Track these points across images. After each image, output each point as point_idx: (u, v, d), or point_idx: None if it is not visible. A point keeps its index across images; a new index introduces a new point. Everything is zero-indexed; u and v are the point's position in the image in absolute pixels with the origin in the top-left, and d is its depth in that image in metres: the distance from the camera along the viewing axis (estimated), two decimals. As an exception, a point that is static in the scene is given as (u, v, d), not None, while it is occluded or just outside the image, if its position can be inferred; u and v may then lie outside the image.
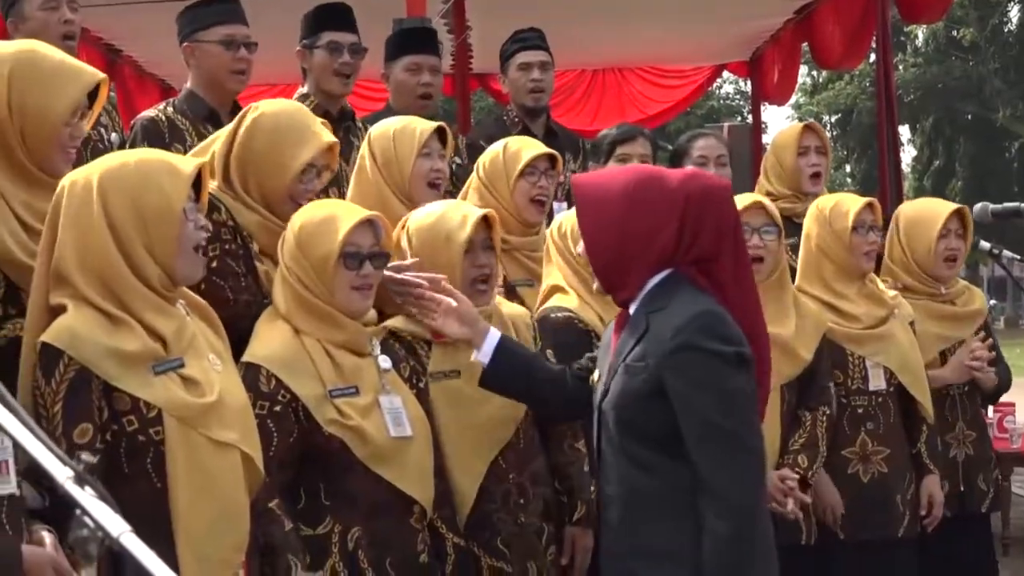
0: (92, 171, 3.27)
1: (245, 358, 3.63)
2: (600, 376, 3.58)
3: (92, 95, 3.51)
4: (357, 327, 3.77)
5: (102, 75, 3.55)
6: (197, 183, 3.37)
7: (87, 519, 1.65)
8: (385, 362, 3.82)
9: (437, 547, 3.84)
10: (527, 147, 4.96)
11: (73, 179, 3.27)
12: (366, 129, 5.51)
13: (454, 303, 3.84)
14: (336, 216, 3.77)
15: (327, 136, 4.17)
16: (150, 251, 3.23)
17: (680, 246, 3.42)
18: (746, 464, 3.31)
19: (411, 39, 6.12)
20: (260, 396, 3.57)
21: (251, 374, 3.59)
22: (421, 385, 3.93)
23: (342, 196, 5.17)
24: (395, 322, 4.07)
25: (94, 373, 3.15)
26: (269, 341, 3.71)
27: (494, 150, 4.98)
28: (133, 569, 1.59)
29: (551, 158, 4.94)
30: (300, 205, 3.98)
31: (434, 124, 4.72)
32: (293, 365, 3.65)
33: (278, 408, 3.61)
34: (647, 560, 3.36)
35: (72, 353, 3.13)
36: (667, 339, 3.33)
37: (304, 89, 5.60)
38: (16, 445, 1.72)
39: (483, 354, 3.81)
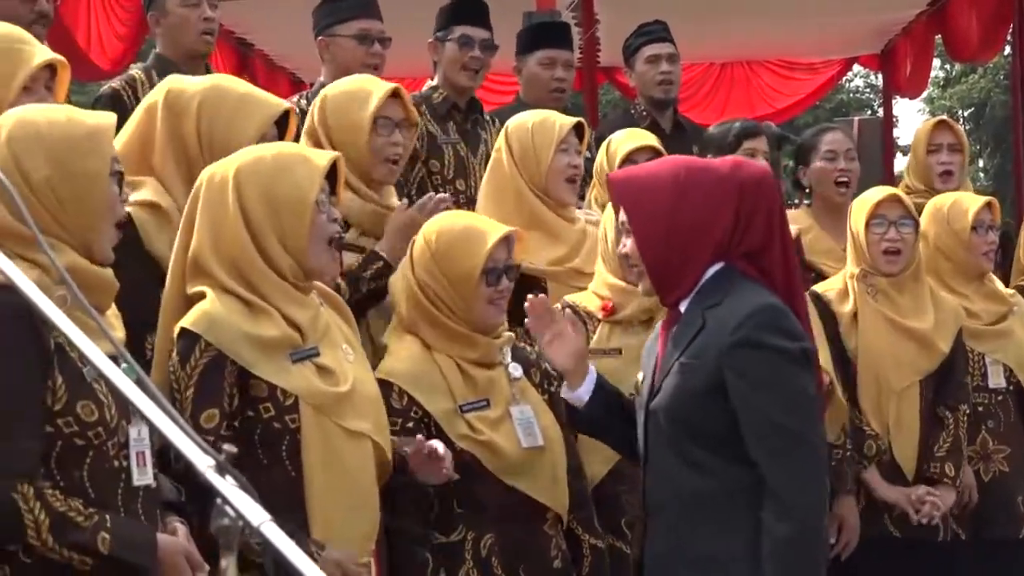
0: (230, 165, 3.32)
1: (377, 375, 3.62)
2: (645, 377, 3.43)
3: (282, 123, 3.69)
4: (488, 342, 3.76)
5: (287, 104, 3.68)
6: (333, 177, 3.41)
7: (228, 508, 1.67)
8: (516, 371, 3.80)
9: (572, 550, 3.82)
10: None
11: (211, 172, 3.33)
12: (493, 123, 5.54)
13: (571, 332, 3.59)
14: (476, 230, 3.74)
15: (384, 85, 4.16)
16: (283, 242, 3.27)
17: (733, 238, 3.28)
18: (810, 466, 3.18)
19: (546, 33, 6.12)
20: (392, 412, 3.55)
21: (383, 391, 3.57)
22: (552, 389, 3.88)
23: (447, 183, 5.20)
24: (575, 297, 4.15)
25: (229, 359, 3.20)
26: (400, 357, 3.72)
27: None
28: (272, 558, 1.61)
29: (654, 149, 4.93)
30: (392, 163, 4.01)
31: (573, 119, 4.72)
32: (424, 381, 3.66)
33: (411, 424, 3.61)
34: (699, 567, 3.22)
35: (210, 338, 3.18)
36: (727, 335, 3.19)
37: (433, 81, 5.63)
38: (159, 434, 1.75)
39: (579, 394, 3.58)
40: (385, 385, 3.60)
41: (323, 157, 3.36)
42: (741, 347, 3.17)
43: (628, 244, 3.39)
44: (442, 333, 3.71)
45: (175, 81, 3.79)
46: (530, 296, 3.60)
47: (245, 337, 3.21)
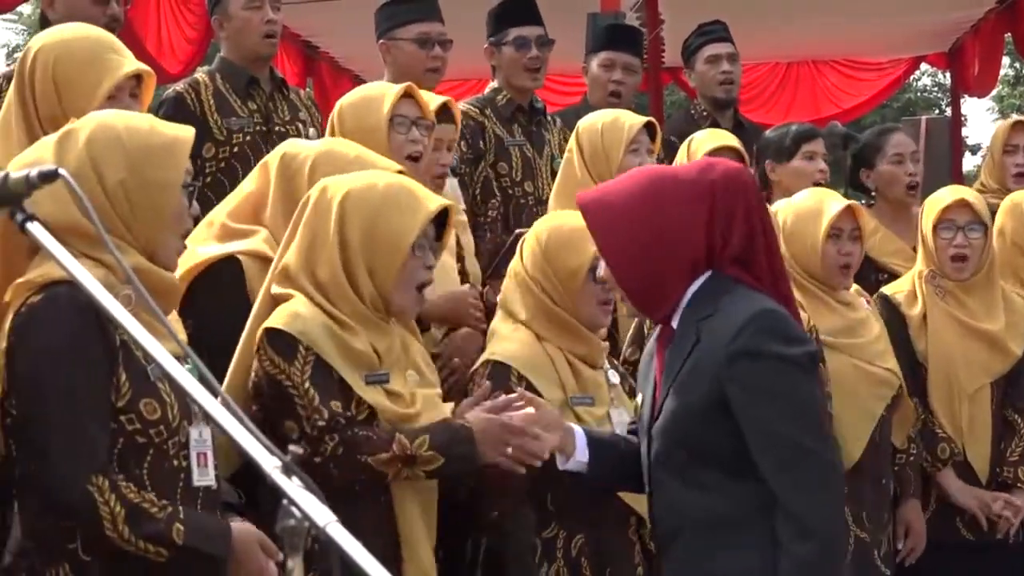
0: (342, 186, 3.37)
1: (487, 356, 3.69)
2: (643, 400, 3.26)
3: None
4: (597, 341, 3.79)
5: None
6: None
7: (294, 509, 1.68)
8: (614, 376, 3.82)
9: (647, 558, 3.81)
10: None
11: (324, 186, 3.40)
12: (555, 123, 5.55)
13: (533, 411, 3.34)
14: (585, 229, 3.75)
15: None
16: (371, 276, 3.32)
17: (714, 243, 3.07)
18: (821, 477, 3.00)
19: (611, 35, 6.11)
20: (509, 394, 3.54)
21: (499, 372, 3.63)
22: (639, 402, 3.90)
23: (515, 185, 5.20)
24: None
25: (324, 360, 3.25)
26: (512, 341, 3.73)
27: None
28: (338, 559, 1.62)
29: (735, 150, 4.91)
30: (414, 160, 4.01)
31: (644, 119, 4.71)
32: (539, 368, 3.68)
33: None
34: None
35: (302, 338, 3.24)
36: (723, 346, 2.99)
37: (495, 84, 5.64)
38: (226, 435, 1.76)
39: (576, 460, 3.34)
40: (502, 367, 3.65)
41: (433, 202, 3.37)
42: (740, 357, 2.98)
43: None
44: (555, 325, 3.70)
45: (290, 145, 3.86)
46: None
47: (335, 340, 3.27)
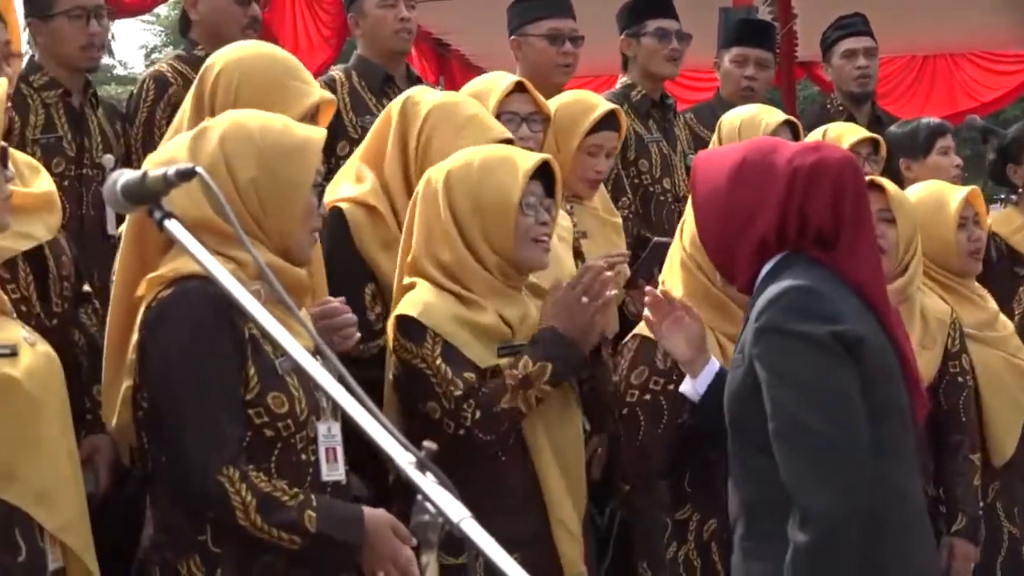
0: (442, 170, 3.45)
1: (636, 331, 3.74)
2: None
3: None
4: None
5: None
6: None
7: (428, 505, 1.69)
8: None
9: None
10: (848, 132, 4.89)
11: (428, 177, 3.48)
12: (682, 119, 5.52)
13: (688, 320, 3.51)
14: None
15: (507, 80, 4.19)
16: (489, 243, 3.39)
17: (787, 225, 2.99)
18: (835, 468, 2.81)
19: (742, 30, 6.07)
20: (656, 372, 3.63)
21: (647, 348, 3.68)
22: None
23: (656, 182, 5.17)
24: None
25: (449, 343, 3.34)
26: None
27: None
28: (474, 554, 1.62)
29: (874, 143, 4.85)
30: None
31: (782, 116, 4.68)
32: None
33: (671, 386, 3.63)
34: None
35: (426, 321, 3.33)
36: (752, 323, 2.94)
37: (626, 79, 5.62)
38: (359, 429, 1.77)
39: (695, 386, 3.47)
40: (650, 342, 3.68)
41: (529, 160, 3.43)
42: (763, 334, 2.90)
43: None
44: (710, 305, 3.69)
45: (417, 90, 3.92)
46: (649, 289, 3.57)
47: (458, 319, 3.36)
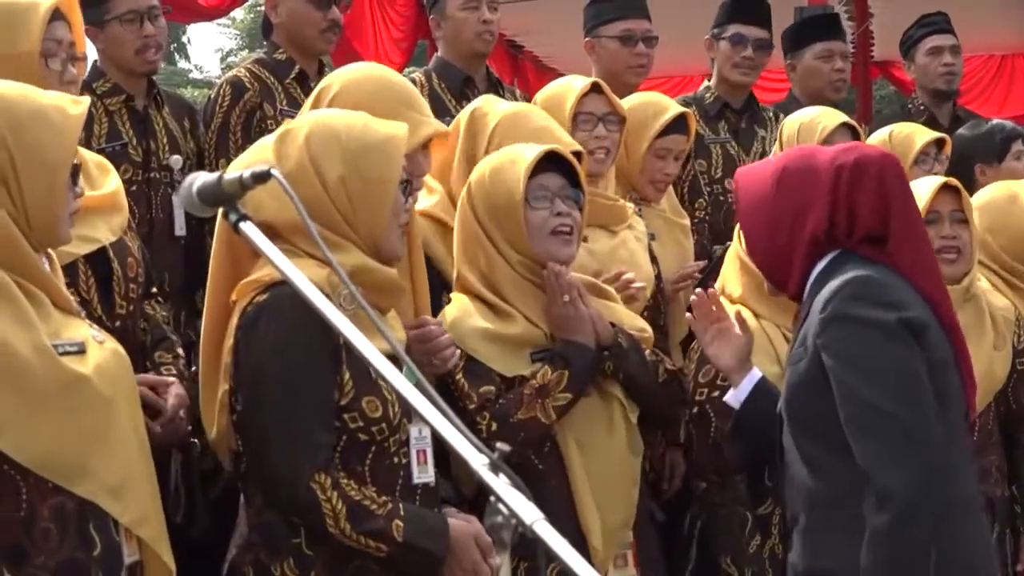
0: (468, 183, 3.54)
1: None
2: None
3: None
4: None
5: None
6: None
7: (501, 506, 1.69)
8: None
9: None
10: (919, 133, 4.85)
11: (463, 192, 3.55)
12: (777, 118, 5.49)
13: (737, 331, 3.48)
14: None
15: (583, 81, 4.21)
16: (510, 242, 3.45)
17: (836, 225, 3.03)
18: (911, 451, 2.83)
19: (820, 26, 6.02)
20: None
21: None
22: None
23: (714, 182, 5.14)
24: None
25: (473, 357, 3.39)
26: None
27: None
28: (545, 555, 1.62)
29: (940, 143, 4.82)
30: (600, 156, 4.10)
31: (842, 118, 4.65)
32: (755, 345, 3.66)
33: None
34: None
35: (454, 338, 3.34)
36: (818, 313, 2.95)
37: (708, 82, 5.61)
38: (434, 431, 1.77)
39: (736, 395, 3.42)
40: None
41: (531, 154, 3.47)
42: (830, 323, 2.92)
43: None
44: (772, 302, 3.69)
45: (484, 101, 3.95)
46: (698, 290, 3.55)
47: (485, 333, 3.40)
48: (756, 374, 3.43)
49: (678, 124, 4.44)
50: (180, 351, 3.60)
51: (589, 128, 4.11)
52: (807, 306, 3.02)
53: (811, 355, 2.95)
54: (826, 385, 2.92)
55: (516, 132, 3.75)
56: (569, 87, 4.20)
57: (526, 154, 3.48)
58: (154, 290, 3.68)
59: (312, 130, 3.04)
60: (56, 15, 3.38)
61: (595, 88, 4.19)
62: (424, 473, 3.03)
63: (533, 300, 3.44)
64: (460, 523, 3.01)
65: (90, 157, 3.50)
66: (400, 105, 3.39)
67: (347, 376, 2.93)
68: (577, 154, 3.69)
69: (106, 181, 3.47)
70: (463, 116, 3.91)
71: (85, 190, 3.24)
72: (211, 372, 3.06)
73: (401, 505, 2.93)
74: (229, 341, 2.97)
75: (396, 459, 2.99)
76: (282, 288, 2.89)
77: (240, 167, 2.96)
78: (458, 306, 3.46)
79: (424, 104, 3.48)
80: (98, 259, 3.41)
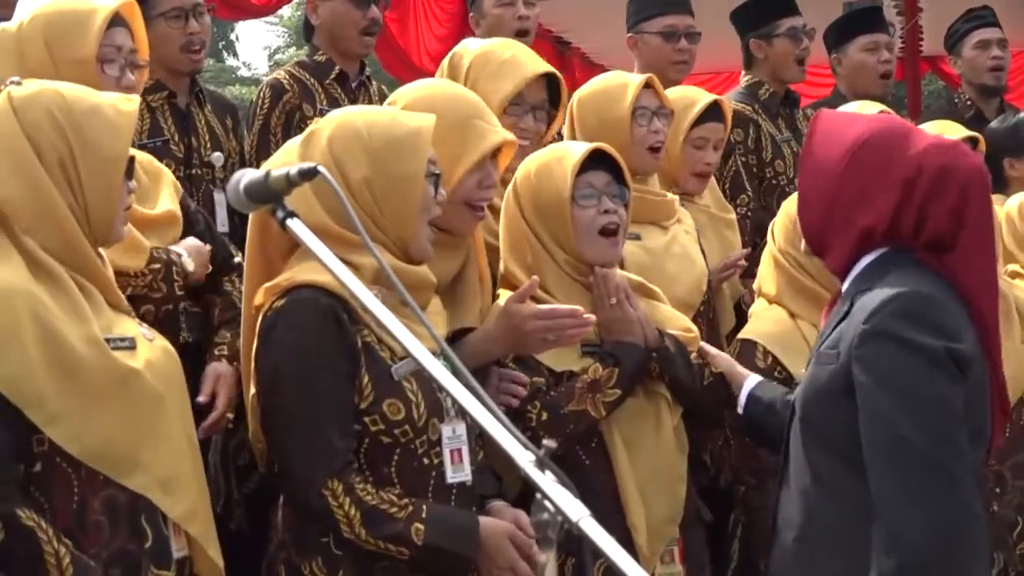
0: (513, 180, 3.54)
1: (742, 335, 3.79)
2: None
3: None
4: None
5: (548, 68, 3.81)
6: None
7: (547, 503, 1.69)
8: None
9: None
10: (950, 131, 4.81)
11: (508, 189, 3.56)
12: (807, 116, 5.47)
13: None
14: None
15: (636, 77, 4.23)
16: (556, 241, 3.46)
17: (900, 224, 2.79)
18: (938, 494, 2.59)
19: (864, 19, 5.99)
20: (756, 372, 3.60)
21: (747, 349, 3.71)
22: None
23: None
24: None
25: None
26: (765, 321, 3.78)
27: None
28: (591, 552, 1.62)
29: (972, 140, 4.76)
30: (655, 151, 4.14)
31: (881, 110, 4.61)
32: (789, 344, 3.70)
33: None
34: None
35: None
36: (860, 324, 2.70)
37: (750, 77, 5.58)
38: (481, 429, 1.77)
39: (740, 397, 3.39)
40: (749, 344, 3.72)
41: (578, 152, 3.47)
42: (871, 337, 2.67)
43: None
44: (807, 299, 3.68)
45: (461, 44, 4.00)
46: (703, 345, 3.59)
47: None
48: (752, 382, 3.37)
49: (713, 112, 4.43)
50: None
51: (645, 122, 4.12)
52: (847, 301, 2.81)
53: (842, 364, 2.73)
54: (850, 399, 2.71)
55: (488, 67, 3.81)
56: (625, 81, 4.20)
57: (573, 151, 3.47)
58: (237, 260, 3.68)
59: (335, 130, 3.03)
60: (117, 21, 3.40)
61: (646, 83, 4.20)
62: (459, 472, 3.01)
63: (580, 298, 3.44)
64: (493, 521, 2.99)
65: (144, 161, 3.54)
66: (466, 116, 3.37)
67: (366, 379, 2.92)
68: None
69: (160, 196, 3.52)
70: (443, 64, 3.95)
71: (135, 204, 3.30)
72: (248, 372, 3.08)
73: (425, 507, 2.91)
74: (253, 345, 2.99)
75: (427, 460, 2.97)
76: (298, 293, 2.90)
77: (271, 168, 2.98)
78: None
79: (490, 113, 3.46)
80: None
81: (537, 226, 3.47)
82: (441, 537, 2.88)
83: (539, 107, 3.85)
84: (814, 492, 2.79)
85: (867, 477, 2.66)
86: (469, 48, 3.95)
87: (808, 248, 2.97)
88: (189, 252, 3.43)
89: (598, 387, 3.36)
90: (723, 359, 3.52)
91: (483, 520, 2.97)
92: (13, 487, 2.66)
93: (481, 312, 3.41)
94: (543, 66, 3.86)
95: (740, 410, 3.38)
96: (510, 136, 3.45)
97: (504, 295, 3.47)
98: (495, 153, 3.40)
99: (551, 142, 3.84)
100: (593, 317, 3.31)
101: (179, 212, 3.56)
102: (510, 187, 3.55)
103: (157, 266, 3.34)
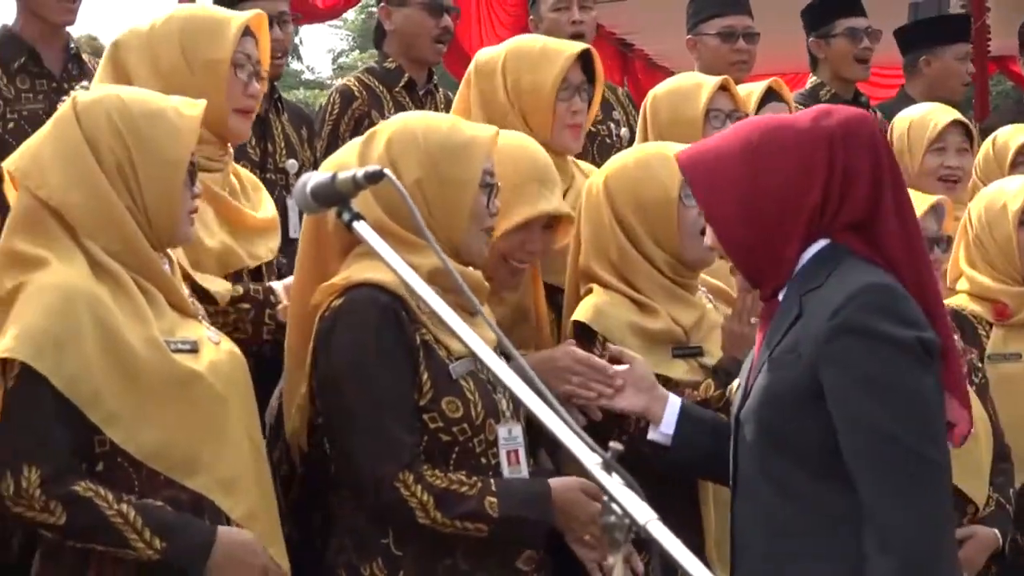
0: (600, 175, 3.49)
1: None
2: (740, 383, 2.85)
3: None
4: None
5: (581, 46, 3.83)
6: None
7: (615, 506, 1.69)
8: None
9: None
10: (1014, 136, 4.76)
11: (589, 184, 3.51)
12: (876, 116, 5.43)
13: (624, 367, 3.18)
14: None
15: (711, 79, 4.16)
16: (655, 240, 3.38)
17: (829, 204, 2.62)
18: (927, 487, 2.51)
19: (959, 27, 5.96)
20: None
21: None
22: (978, 381, 3.83)
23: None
24: (955, 300, 4.03)
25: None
26: None
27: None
28: (659, 556, 1.61)
29: None
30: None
31: (954, 115, 4.59)
32: None
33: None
34: None
35: (598, 327, 3.31)
36: (824, 321, 2.55)
37: (815, 79, 5.56)
38: (548, 431, 1.77)
39: (661, 430, 3.09)
40: None
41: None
42: (842, 334, 2.53)
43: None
44: None
45: (479, 54, 3.96)
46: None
47: (630, 326, 3.33)
48: (675, 401, 3.12)
49: (772, 96, 4.40)
50: None
51: (718, 125, 4.10)
52: (794, 303, 2.63)
53: (805, 366, 2.57)
54: (817, 402, 2.56)
55: (526, 60, 3.78)
56: (700, 82, 4.19)
57: (675, 150, 3.46)
58: None
59: (394, 133, 3.06)
60: (247, 31, 3.47)
61: (722, 85, 4.19)
62: (516, 473, 3.01)
63: (672, 298, 3.38)
64: (561, 480, 2.97)
65: (244, 175, 3.61)
66: (528, 176, 3.32)
67: (425, 376, 2.93)
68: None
69: (262, 202, 3.57)
70: (470, 70, 3.91)
71: (244, 208, 3.40)
72: (294, 371, 3.09)
73: (494, 482, 2.92)
74: (310, 344, 2.99)
75: (484, 459, 2.98)
76: (357, 291, 2.91)
77: (331, 167, 3.01)
78: (601, 294, 3.40)
79: (555, 182, 3.40)
80: (256, 276, 3.50)
81: (632, 222, 3.39)
82: (515, 507, 2.90)
83: (582, 87, 3.83)
84: (779, 505, 2.64)
85: (834, 480, 2.56)
86: (493, 51, 3.92)
87: (746, 282, 2.79)
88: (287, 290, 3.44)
89: (707, 405, 3.27)
90: None
91: (552, 481, 2.98)
92: (68, 474, 2.71)
93: (536, 349, 3.37)
94: (577, 45, 3.86)
95: (664, 431, 3.09)
96: (566, 210, 3.38)
97: (597, 290, 3.39)
98: (551, 223, 3.36)
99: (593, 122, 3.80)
100: (611, 391, 3.15)
101: (278, 221, 3.61)
102: (594, 180, 3.49)
103: (246, 305, 3.34)
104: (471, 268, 3.04)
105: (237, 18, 3.45)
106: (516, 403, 3.01)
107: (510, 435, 3.01)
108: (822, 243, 2.65)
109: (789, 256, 2.65)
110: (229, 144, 3.49)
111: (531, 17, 5.35)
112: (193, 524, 2.78)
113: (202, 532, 2.78)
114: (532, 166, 3.34)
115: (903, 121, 4.64)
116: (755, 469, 2.67)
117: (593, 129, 5.01)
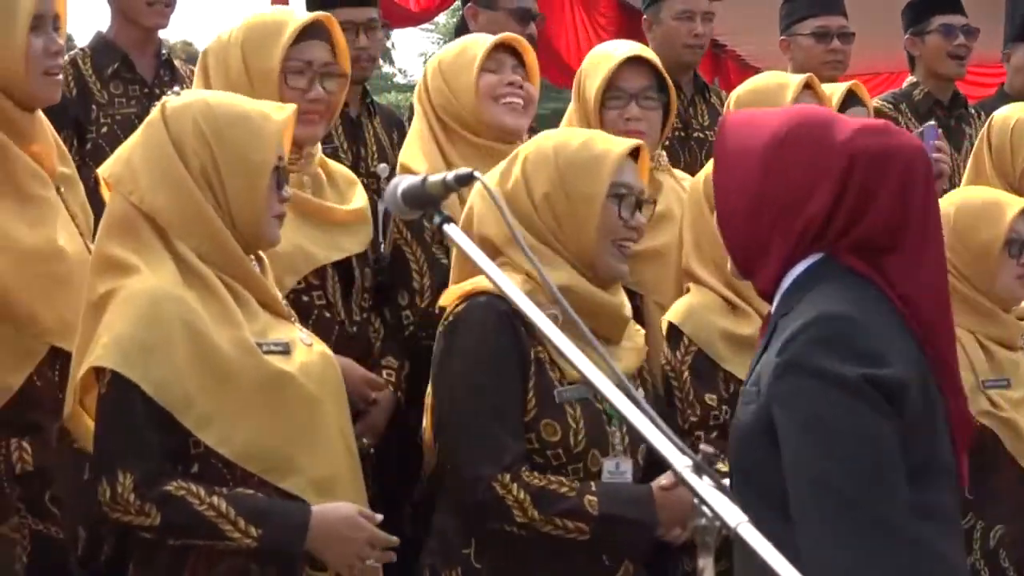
0: (702, 175, 3.51)
1: None
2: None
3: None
4: (1014, 321, 3.69)
5: (635, 51, 3.81)
6: None
7: (705, 508, 1.68)
8: None
9: None
10: None
11: (692, 184, 3.56)
12: (979, 116, 5.35)
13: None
14: (996, 202, 3.67)
15: (796, 80, 4.14)
16: None
17: (834, 221, 2.41)
18: (860, 540, 2.24)
19: None
20: None
21: None
22: None
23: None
24: None
25: (705, 354, 3.37)
26: None
27: None
28: (740, 557, 1.61)
29: None
30: None
31: None
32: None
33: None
34: None
35: (687, 330, 3.37)
36: (775, 355, 2.35)
37: (913, 78, 5.50)
38: (640, 435, 1.77)
39: None
40: None
41: None
42: (787, 371, 2.32)
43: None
44: (965, 307, 3.60)
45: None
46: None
47: (719, 331, 3.37)
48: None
49: (853, 100, 4.33)
50: (405, 362, 3.68)
51: None
52: (772, 326, 2.45)
53: (762, 403, 2.36)
54: (771, 439, 2.34)
55: (602, 63, 3.82)
56: (784, 82, 4.17)
57: None
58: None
59: (529, 152, 3.12)
60: (314, 33, 3.49)
61: (806, 84, 4.15)
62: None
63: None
64: (659, 483, 2.96)
65: (337, 170, 3.64)
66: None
67: (531, 394, 2.96)
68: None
69: (354, 196, 3.61)
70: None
71: (334, 203, 3.45)
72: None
73: (594, 484, 2.93)
74: (436, 347, 3.05)
75: None
76: (479, 298, 2.96)
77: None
78: (699, 297, 3.44)
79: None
80: (344, 268, 3.54)
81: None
82: (615, 505, 2.90)
83: (640, 95, 3.80)
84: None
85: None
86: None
87: (736, 270, 2.58)
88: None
89: None
90: None
91: (653, 484, 2.97)
92: (160, 476, 2.75)
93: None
94: (630, 50, 3.84)
95: None
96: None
97: (694, 289, 3.44)
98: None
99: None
100: None
101: (369, 214, 3.64)
102: (701, 184, 3.52)
103: None
104: (605, 292, 3.06)
105: (292, 22, 3.46)
106: (634, 439, 3.01)
107: (617, 469, 3.00)
108: (814, 258, 2.44)
109: (779, 259, 2.45)
110: (307, 147, 3.49)
111: (646, 16, 5.20)
112: (287, 507, 2.81)
113: (297, 513, 2.81)
114: None
115: (1007, 118, 4.46)
116: (740, 503, 2.46)
117: (701, 135, 4.98)
